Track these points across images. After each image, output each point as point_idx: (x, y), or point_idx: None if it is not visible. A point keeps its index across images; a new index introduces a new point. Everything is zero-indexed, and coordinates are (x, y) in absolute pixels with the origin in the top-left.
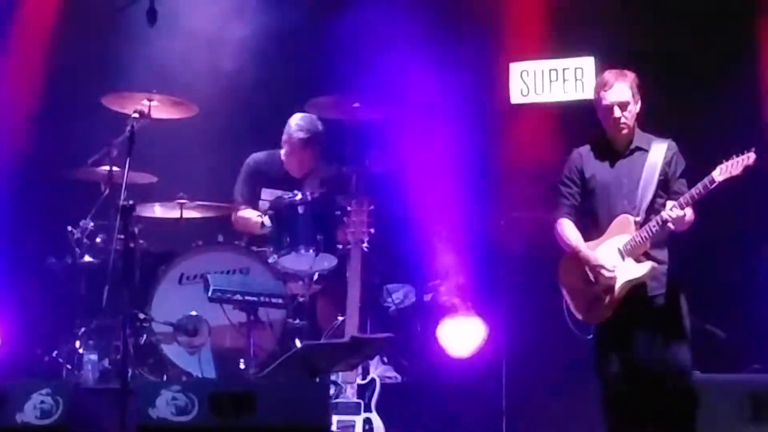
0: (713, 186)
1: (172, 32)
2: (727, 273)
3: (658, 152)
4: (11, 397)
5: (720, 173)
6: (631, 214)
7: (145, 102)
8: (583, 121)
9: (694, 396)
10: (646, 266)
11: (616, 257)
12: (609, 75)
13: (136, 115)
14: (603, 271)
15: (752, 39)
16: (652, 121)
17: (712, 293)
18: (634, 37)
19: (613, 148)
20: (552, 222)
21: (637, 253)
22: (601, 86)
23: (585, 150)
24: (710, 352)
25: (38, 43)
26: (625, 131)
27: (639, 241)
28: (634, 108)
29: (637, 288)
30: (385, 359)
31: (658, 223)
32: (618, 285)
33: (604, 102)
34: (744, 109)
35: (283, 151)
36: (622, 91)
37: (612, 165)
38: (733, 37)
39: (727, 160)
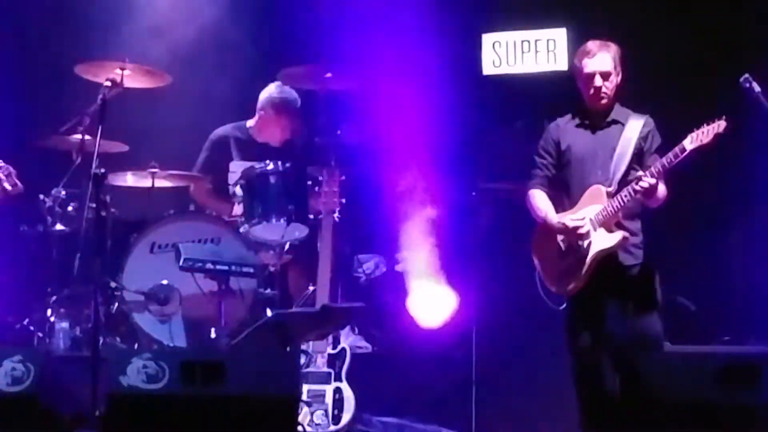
0: (684, 154)
1: (146, 1)
2: (698, 247)
3: (635, 127)
4: None
5: (691, 141)
6: (604, 185)
7: (118, 71)
8: (555, 92)
9: (664, 367)
10: (618, 236)
11: (587, 226)
12: (592, 44)
13: (108, 84)
14: (579, 230)
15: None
16: (628, 95)
17: (684, 266)
18: (606, 9)
19: (590, 120)
20: (524, 192)
21: (609, 224)
22: (584, 54)
23: (563, 121)
24: (681, 324)
25: (8, 9)
26: (604, 101)
27: (611, 211)
28: (615, 79)
29: (609, 259)
30: (356, 329)
31: (629, 193)
32: (590, 255)
33: (586, 70)
34: (720, 83)
35: (253, 121)
36: (604, 61)
37: (588, 136)
38: (710, 10)
39: (698, 129)
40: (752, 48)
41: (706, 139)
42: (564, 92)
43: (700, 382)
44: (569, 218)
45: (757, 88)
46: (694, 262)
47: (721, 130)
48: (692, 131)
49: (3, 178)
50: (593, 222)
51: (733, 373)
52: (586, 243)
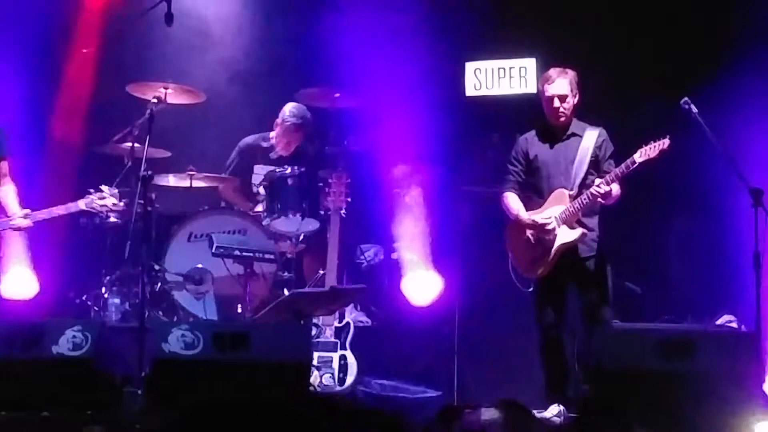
0: (634, 166)
1: (185, 32)
2: (644, 240)
3: (591, 137)
4: (48, 333)
5: (640, 156)
6: (567, 189)
7: (162, 90)
8: (525, 111)
9: (613, 340)
10: (578, 232)
11: (553, 223)
12: (553, 71)
13: (154, 100)
14: (546, 227)
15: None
16: (586, 112)
17: (632, 256)
18: (569, 42)
19: (553, 134)
20: (499, 194)
21: (571, 221)
22: (545, 80)
23: (530, 135)
24: (628, 305)
25: (91, 40)
26: (562, 119)
27: (572, 211)
28: (572, 100)
29: (570, 250)
30: (358, 306)
31: (588, 197)
32: (554, 247)
33: (547, 94)
34: (664, 101)
35: (273, 133)
36: (562, 86)
37: (552, 147)
38: (653, 40)
39: (646, 145)
40: (691, 74)
41: (652, 154)
42: (533, 111)
43: (643, 353)
44: (538, 216)
45: (694, 108)
46: (640, 253)
47: (665, 147)
48: (641, 146)
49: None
50: (557, 219)
51: (672, 347)
52: (551, 237)
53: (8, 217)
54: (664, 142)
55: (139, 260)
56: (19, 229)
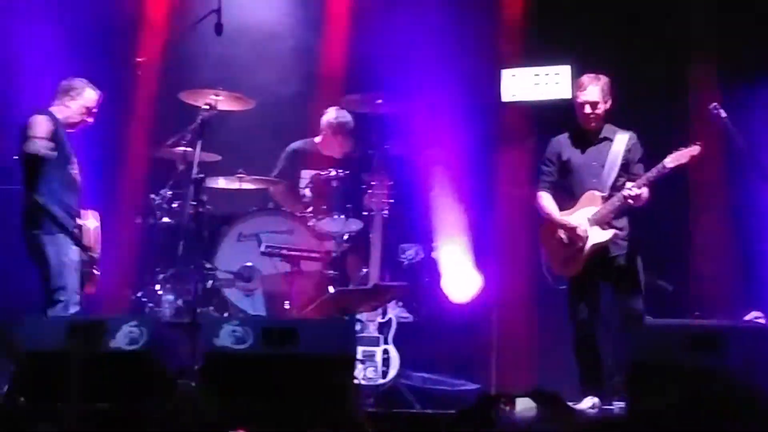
0: (665, 171)
1: (234, 41)
2: (674, 239)
3: (621, 141)
4: (107, 328)
5: (670, 161)
6: (599, 191)
7: (213, 97)
8: (559, 116)
9: (645, 336)
10: (609, 233)
11: (585, 225)
12: (585, 78)
13: (206, 107)
14: (578, 231)
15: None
16: (617, 115)
17: (663, 254)
18: (601, 49)
19: (585, 137)
20: (534, 195)
21: (602, 222)
22: (578, 87)
23: (563, 137)
24: (660, 301)
25: (151, 50)
26: (593, 125)
27: (604, 213)
28: (603, 106)
29: (601, 249)
30: (400, 303)
31: (619, 199)
32: (587, 247)
33: (579, 100)
34: (691, 108)
35: (318, 138)
36: (593, 93)
37: (584, 151)
38: (682, 47)
39: (676, 150)
40: (720, 80)
41: (683, 160)
42: (566, 115)
43: (673, 349)
44: (571, 218)
45: (723, 113)
46: (671, 252)
47: (695, 153)
48: (670, 150)
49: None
50: (590, 220)
51: (701, 342)
52: (583, 237)
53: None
54: (695, 149)
55: (192, 259)
56: None
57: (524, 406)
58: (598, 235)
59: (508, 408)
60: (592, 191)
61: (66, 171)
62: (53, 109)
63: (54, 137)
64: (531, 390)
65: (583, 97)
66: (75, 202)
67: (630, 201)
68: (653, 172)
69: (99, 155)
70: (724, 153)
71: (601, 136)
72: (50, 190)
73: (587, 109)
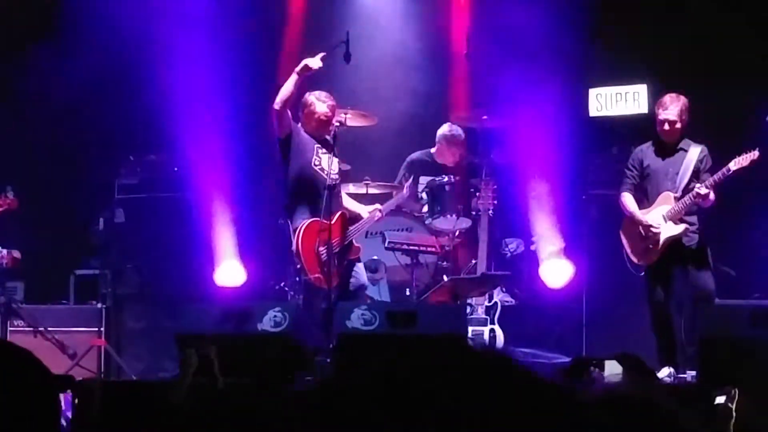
0: (729, 174)
1: (360, 67)
2: (736, 231)
3: (695, 152)
4: (255, 313)
5: (734, 164)
6: (672, 192)
7: (343, 115)
8: (638, 128)
9: (713, 315)
10: (681, 227)
11: (661, 220)
12: (667, 98)
13: (337, 123)
14: (651, 229)
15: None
16: (694, 128)
17: (727, 244)
18: (674, 70)
19: (664, 148)
20: (618, 195)
21: (675, 218)
22: (659, 105)
23: (645, 146)
24: (724, 285)
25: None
26: (670, 138)
27: (677, 210)
28: (680, 124)
29: (675, 241)
30: (504, 289)
31: (690, 198)
32: (662, 239)
33: (659, 117)
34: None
35: (434, 149)
36: (672, 112)
37: (663, 159)
38: (744, 77)
39: (739, 155)
40: None
41: (744, 163)
42: (645, 127)
43: (737, 324)
44: (649, 215)
45: None
46: (734, 242)
47: (755, 157)
48: (734, 157)
49: None
50: (664, 217)
51: (760, 318)
52: (659, 232)
53: (363, 218)
54: (755, 154)
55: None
56: (378, 221)
57: (612, 368)
58: (671, 229)
59: (597, 370)
60: (667, 192)
61: None
62: None
63: None
64: (617, 355)
65: (663, 115)
66: None
67: (699, 200)
68: (719, 175)
69: (248, 162)
70: None
71: (678, 147)
72: None
73: (666, 126)
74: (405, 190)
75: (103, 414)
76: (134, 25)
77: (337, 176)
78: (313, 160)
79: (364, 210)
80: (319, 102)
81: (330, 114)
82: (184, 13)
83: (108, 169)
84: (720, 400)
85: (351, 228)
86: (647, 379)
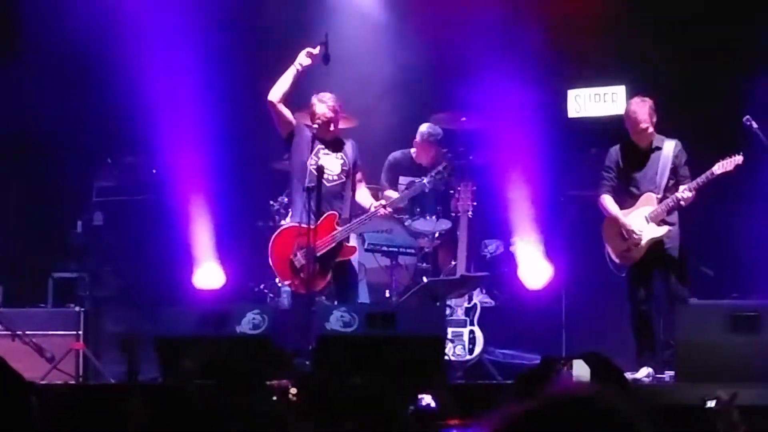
0: (713, 177)
1: (340, 68)
2: (715, 232)
3: (669, 147)
4: (233, 315)
5: (719, 168)
6: (654, 193)
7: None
8: (616, 129)
9: (691, 314)
10: (664, 229)
11: (643, 222)
12: (634, 101)
13: (316, 125)
14: (634, 232)
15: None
16: (665, 126)
17: (706, 245)
18: (651, 71)
19: (639, 148)
20: (596, 197)
21: (658, 219)
22: (631, 114)
23: (620, 148)
24: (703, 285)
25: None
26: (644, 139)
27: (659, 212)
28: (650, 124)
29: (656, 242)
30: (484, 290)
31: (673, 200)
32: (644, 240)
33: (630, 119)
34: (734, 119)
35: (414, 150)
36: (643, 118)
37: (639, 158)
38: (720, 66)
39: (723, 159)
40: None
41: (728, 167)
42: (623, 129)
43: (716, 325)
44: (631, 216)
45: (755, 124)
46: (713, 243)
47: (740, 162)
48: (714, 156)
49: None
50: (647, 218)
51: (739, 320)
52: (641, 233)
53: (369, 211)
54: (739, 158)
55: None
56: (382, 216)
57: (580, 368)
58: (654, 231)
59: (566, 369)
60: (649, 193)
61: None
62: None
63: None
64: (584, 354)
65: (633, 116)
66: None
67: (682, 203)
68: (702, 179)
69: (227, 164)
70: (758, 156)
71: (653, 146)
72: None
73: (638, 127)
74: (412, 189)
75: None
76: (110, 26)
77: (337, 177)
78: (310, 159)
79: (374, 205)
80: (319, 103)
81: (330, 115)
82: (162, 14)
83: (86, 172)
84: (711, 404)
85: (342, 228)
86: (615, 378)
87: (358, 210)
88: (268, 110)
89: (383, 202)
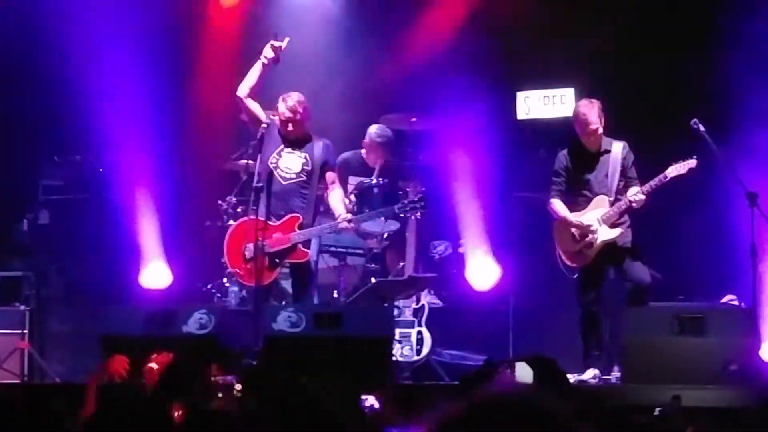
0: (666, 180)
1: (286, 67)
2: (663, 235)
3: (617, 149)
4: (179, 315)
5: (672, 172)
6: (607, 196)
7: (271, 117)
8: (565, 131)
9: (638, 316)
10: (617, 231)
11: (596, 224)
12: (583, 102)
13: (264, 125)
14: (590, 229)
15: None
16: (614, 129)
17: (654, 248)
18: (599, 74)
19: (589, 151)
20: (546, 201)
21: (610, 222)
22: (577, 111)
23: (569, 151)
24: (651, 288)
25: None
26: (594, 142)
27: (611, 214)
28: (600, 125)
29: (609, 244)
30: (432, 291)
31: (625, 203)
32: (597, 242)
33: (579, 121)
34: (683, 122)
35: (363, 151)
36: (591, 115)
37: (589, 161)
38: (669, 70)
39: (676, 162)
40: (700, 100)
41: (682, 171)
42: (572, 131)
43: (662, 327)
44: (583, 218)
45: (702, 127)
46: (661, 246)
47: (693, 165)
48: (667, 160)
49: None
50: (599, 220)
51: (685, 322)
52: (594, 235)
53: (335, 218)
54: (693, 162)
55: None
56: (343, 230)
57: (523, 370)
58: (607, 233)
59: (509, 372)
60: (601, 196)
61: None
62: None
63: None
64: (527, 356)
65: (582, 118)
66: None
67: (633, 205)
68: (656, 182)
69: (174, 163)
70: (704, 160)
71: (602, 148)
72: None
73: (587, 129)
74: (380, 211)
75: None
76: (56, 24)
77: (295, 176)
78: (271, 158)
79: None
80: (281, 102)
81: (289, 114)
82: (107, 12)
83: (32, 170)
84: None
85: (301, 232)
86: (557, 380)
87: (329, 211)
88: (238, 107)
89: (350, 216)
